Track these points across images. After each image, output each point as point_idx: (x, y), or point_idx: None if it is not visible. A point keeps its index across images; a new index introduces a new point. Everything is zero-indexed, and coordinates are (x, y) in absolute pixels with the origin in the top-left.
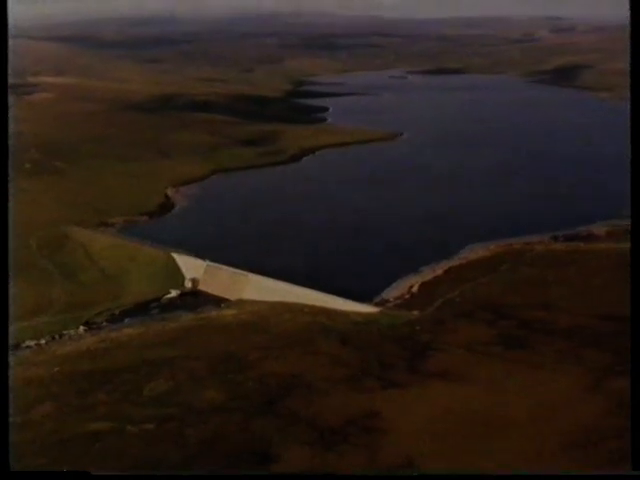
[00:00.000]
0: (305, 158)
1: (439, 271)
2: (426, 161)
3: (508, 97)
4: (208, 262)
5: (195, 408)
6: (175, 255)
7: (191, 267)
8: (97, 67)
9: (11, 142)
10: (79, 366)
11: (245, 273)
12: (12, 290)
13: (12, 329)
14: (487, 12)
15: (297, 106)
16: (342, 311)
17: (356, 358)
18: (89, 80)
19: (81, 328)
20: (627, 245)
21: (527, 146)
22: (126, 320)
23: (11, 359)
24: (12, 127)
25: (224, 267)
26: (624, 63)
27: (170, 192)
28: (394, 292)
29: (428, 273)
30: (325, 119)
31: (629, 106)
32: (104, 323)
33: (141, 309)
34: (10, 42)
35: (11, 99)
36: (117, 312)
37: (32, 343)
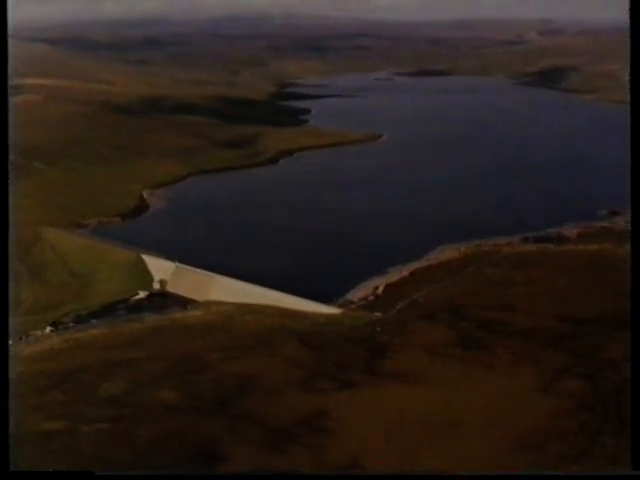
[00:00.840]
0: (282, 160)
1: (405, 272)
2: (402, 162)
3: (491, 99)
4: (177, 263)
5: (149, 408)
6: (144, 256)
7: (160, 268)
8: (86, 69)
9: None
10: (41, 366)
11: (212, 275)
12: None
13: None
14: (481, 14)
15: (280, 108)
16: (305, 312)
17: (313, 359)
18: (77, 82)
19: (48, 329)
20: (596, 247)
21: (504, 148)
22: (92, 321)
23: None
24: None
25: (192, 269)
26: (610, 65)
27: (146, 194)
28: (359, 293)
29: (395, 274)
30: (307, 121)
31: (613, 108)
32: (71, 324)
33: (108, 310)
34: None
35: None
36: (84, 313)
37: None
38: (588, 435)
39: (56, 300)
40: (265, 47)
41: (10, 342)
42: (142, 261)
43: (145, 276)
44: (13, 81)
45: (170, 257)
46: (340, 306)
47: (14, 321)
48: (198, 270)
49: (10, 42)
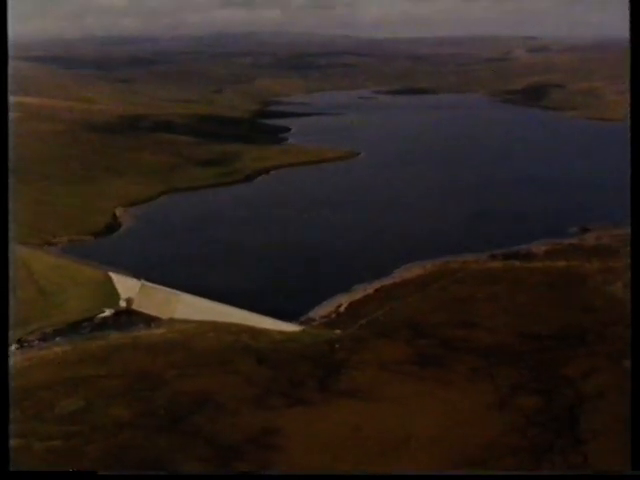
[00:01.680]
0: (258, 178)
1: (370, 290)
2: (376, 180)
3: (470, 117)
4: (143, 282)
5: (102, 425)
6: (112, 275)
7: (127, 287)
8: (68, 87)
9: None
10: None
11: (178, 292)
12: None
13: None
14: (469, 31)
15: (260, 126)
16: (266, 330)
17: (269, 377)
18: (57, 100)
19: (13, 346)
20: (564, 263)
21: (480, 166)
22: (57, 339)
23: None
24: None
25: (158, 287)
26: (593, 82)
27: (119, 212)
28: (322, 311)
29: (359, 292)
30: (287, 139)
31: (591, 125)
32: (36, 341)
33: (74, 328)
34: None
35: None
36: (50, 331)
37: None
38: (537, 452)
39: (24, 317)
40: (249, 65)
41: None
42: (110, 279)
43: (112, 294)
44: None
45: (138, 275)
46: (302, 324)
47: None
48: (164, 288)
49: None
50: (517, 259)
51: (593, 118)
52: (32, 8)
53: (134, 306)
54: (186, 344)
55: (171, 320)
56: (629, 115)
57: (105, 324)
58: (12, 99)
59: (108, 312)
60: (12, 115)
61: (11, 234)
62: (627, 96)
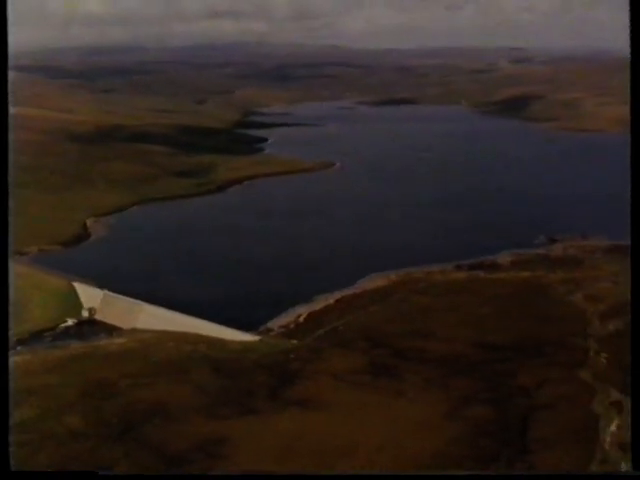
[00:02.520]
0: (231, 189)
1: (331, 300)
2: (348, 191)
3: (449, 129)
4: (105, 291)
5: (53, 434)
6: (76, 284)
7: (90, 296)
8: (49, 97)
9: None
10: None
11: (140, 302)
12: None
13: None
14: (454, 42)
15: (239, 137)
16: (224, 340)
17: (222, 386)
18: (37, 110)
19: None
20: (528, 273)
21: (451, 178)
22: (18, 348)
23: None
24: None
25: (121, 297)
26: (574, 93)
27: (89, 222)
28: (281, 321)
29: (320, 302)
30: (263, 149)
31: (568, 136)
32: None
33: (35, 337)
34: None
35: None
36: (12, 340)
37: None
38: (483, 461)
39: None
40: (232, 75)
41: None
42: (73, 289)
43: (76, 304)
44: None
45: (103, 285)
46: (260, 334)
47: None
48: (127, 298)
49: None
50: (482, 269)
51: (572, 129)
52: (20, 17)
53: (97, 316)
54: (144, 354)
55: (132, 330)
56: (630, 123)
57: (67, 333)
58: None
59: (71, 322)
60: None
61: None
62: (607, 107)
